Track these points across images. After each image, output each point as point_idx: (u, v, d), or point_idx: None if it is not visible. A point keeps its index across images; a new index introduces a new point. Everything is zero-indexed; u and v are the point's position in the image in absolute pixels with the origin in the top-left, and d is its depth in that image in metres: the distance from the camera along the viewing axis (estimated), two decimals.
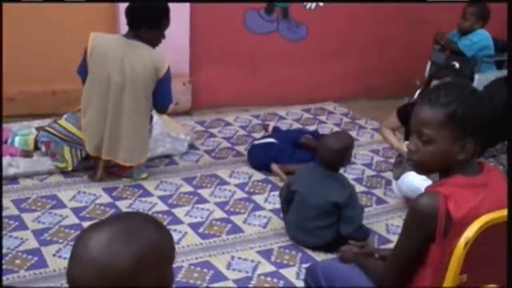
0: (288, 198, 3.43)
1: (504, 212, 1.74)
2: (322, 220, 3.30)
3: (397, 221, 3.74)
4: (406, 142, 3.09)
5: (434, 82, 3.66)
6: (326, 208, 3.28)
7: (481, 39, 5.14)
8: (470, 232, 1.68)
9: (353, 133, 5.18)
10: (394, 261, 1.95)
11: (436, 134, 1.82)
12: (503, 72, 5.12)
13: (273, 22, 5.51)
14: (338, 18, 5.64)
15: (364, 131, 5.30)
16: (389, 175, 4.34)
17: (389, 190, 4.12)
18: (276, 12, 5.49)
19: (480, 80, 4.86)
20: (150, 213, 3.58)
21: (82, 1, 4.65)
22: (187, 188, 3.95)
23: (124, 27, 3.84)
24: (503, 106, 2.56)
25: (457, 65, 3.68)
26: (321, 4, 5.57)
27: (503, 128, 2.45)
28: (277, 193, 3.79)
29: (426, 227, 1.80)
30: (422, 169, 1.94)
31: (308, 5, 5.56)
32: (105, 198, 3.71)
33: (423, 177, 3.30)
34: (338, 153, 3.31)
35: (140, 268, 1.25)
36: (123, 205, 3.65)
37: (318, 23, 5.61)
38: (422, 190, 3.62)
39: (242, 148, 4.64)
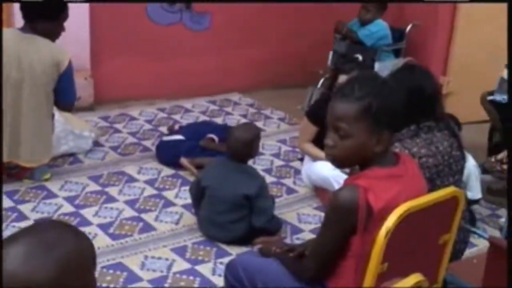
0: (198, 194, 3.39)
1: (420, 200, 1.78)
2: (234, 213, 3.28)
3: (308, 210, 3.78)
4: None
5: (343, 77, 3.72)
6: (237, 202, 3.26)
7: (379, 29, 5.29)
8: (390, 221, 1.70)
9: (259, 124, 5.19)
10: (316, 255, 1.95)
11: (352, 128, 1.83)
12: (401, 60, 5.31)
13: (176, 13, 5.41)
14: (241, 8, 5.61)
15: (270, 121, 5.32)
16: (297, 164, 4.38)
17: (299, 180, 4.16)
18: (179, 3, 5.39)
19: (380, 68, 4.98)
20: (56, 215, 3.44)
21: (80, 1, 4.44)
22: (94, 187, 3.82)
23: (19, 21, 3.63)
24: (407, 93, 2.63)
25: (360, 57, 3.75)
26: None
27: (409, 114, 2.53)
28: (187, 188, 3.74)
29: (347, 220, 1.81)
30: (341, 163, 1.95)
31: None
32: (7, 202, 3.51)
33: (332, 167, 3.34)
34: (245, 145, 3.30)
35: (61, 279, 1.21)
36: (27, 209, 3.48)
37: (222, 13, 5.56)
38: (332, 179, 3.71)
39: (149, 143, 4.53)
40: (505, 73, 4.25)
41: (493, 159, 3.88)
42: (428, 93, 2.72)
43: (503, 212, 3.85)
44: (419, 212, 1.75)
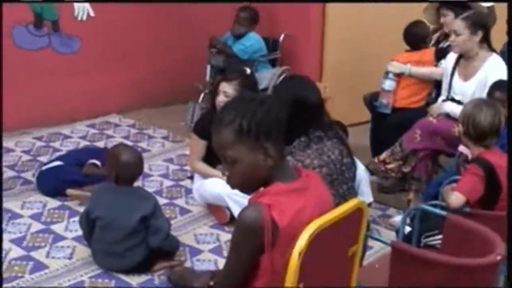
0: (90, 227, 3.26)
1: (329, 216, 1.80)
2: (131, 240, 3.18)
3: (205, 229, 3.74)
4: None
5: (223, 85, 3.73)
6: (134, 226, 3.16)
7: (253, 42, 5.39)
8: (302, 241, 1.70)
9: (143, 144, 5.11)
10: (227, 279, 1.92)
11: (235, 152, 1.84)
12: (278, 69, 5.42)
13: (44, 37, 5.20)
14: (111, 28, 5.49)
15: (154, 141, 5.23)
16: (187, 183, 4.33)
17: (191, 199, 4.11)
18: (46, 26, 5.19)
19: (259, 79, 5.06)
20: None
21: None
22: None
23: None
24: (291, 105, 2.66)
25: (248, 70, 3.81)
26: (92, 14, 5.38)
27: (296, 126, 2.56)
28: (77, 218, 3.59)
29: (254, 240, 1.80)
30: (244, 189, 1.94)
31: (79, 16, 5.32)
32: None
33: (223, 183, 3.33)
34: (129, 167, 3.22)
35: None
36: None
37: (91, 35, 5.41)
38: (225, 196, 3.69)
39: (30, 175, 4.31)
40: (386, 85, 4.43)
41: (376, 160, 4.03)
42: (312, 103, 2.76)
43: (392, 211, 4.01)
44: (327, 227, 1.77)
